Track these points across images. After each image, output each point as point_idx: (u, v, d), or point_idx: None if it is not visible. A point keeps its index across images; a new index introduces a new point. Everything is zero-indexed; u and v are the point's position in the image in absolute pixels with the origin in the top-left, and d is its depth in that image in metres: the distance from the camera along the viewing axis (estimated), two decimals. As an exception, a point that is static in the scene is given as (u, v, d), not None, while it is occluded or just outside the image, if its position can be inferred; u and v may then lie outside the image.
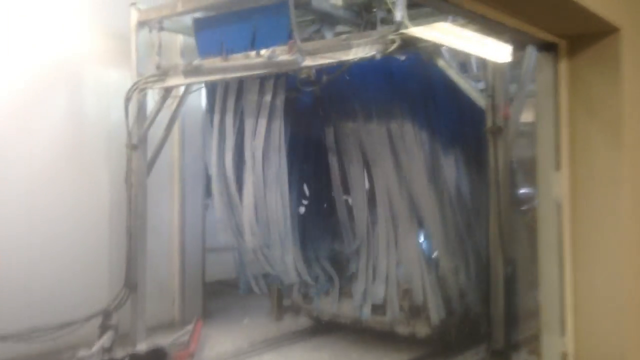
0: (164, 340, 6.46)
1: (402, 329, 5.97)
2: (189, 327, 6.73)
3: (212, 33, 5.86)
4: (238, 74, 5.38)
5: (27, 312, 6.16)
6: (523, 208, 5.62)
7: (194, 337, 6.53)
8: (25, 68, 6.38)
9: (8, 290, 6.07)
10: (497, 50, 3.72)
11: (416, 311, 5.87)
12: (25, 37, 6.39)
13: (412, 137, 5.52)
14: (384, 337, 6.29)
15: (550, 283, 3.30)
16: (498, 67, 4.32)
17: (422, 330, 5.86)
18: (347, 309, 6.43)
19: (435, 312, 5.69)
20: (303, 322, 7.26)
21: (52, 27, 6.64)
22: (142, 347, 6.01)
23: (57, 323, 6.15)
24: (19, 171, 6.29)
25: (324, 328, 6.94)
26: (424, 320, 5.81)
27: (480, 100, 4.50)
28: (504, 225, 4.29)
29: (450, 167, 5.62)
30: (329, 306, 6.60)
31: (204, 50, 5.90)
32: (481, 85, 4.82)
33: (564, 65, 3.40)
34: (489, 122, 4.41)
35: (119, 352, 6.06)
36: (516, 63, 4.49)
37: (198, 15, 6.89)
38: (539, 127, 3.34)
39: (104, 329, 6.37)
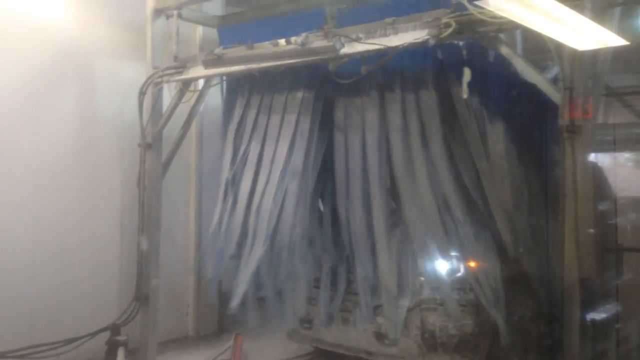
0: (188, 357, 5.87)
1: None
2: (229, 344, 6.18)
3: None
4: (265, 64, 4.77)
5: (29, 326, 5.66)
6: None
7: (236, 356, 5.98)
8: (32, 59, 5.87)
9: (10, 303, 5.57)
10: (583, 36, 3.10)
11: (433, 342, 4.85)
12: (32, 26, 5.86)
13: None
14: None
15: None
16: (577, 55, 3.66)
17: None
18: (349, 337, 5.37)
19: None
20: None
21: (61, 15, 6.13)
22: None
23: (62, 339, 5.61)
24: (25, 172, 5.79)
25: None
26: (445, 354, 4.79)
27: (554, 94, 3.84)
28: (584, 244, 3.61)
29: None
30: (327, 333, 5.52)
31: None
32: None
33: None
34: (564, 120, 3.74)
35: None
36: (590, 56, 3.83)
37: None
38: None
39: (111, 345, 5.82)
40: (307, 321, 5.65)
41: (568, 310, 3.80)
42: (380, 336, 5.07)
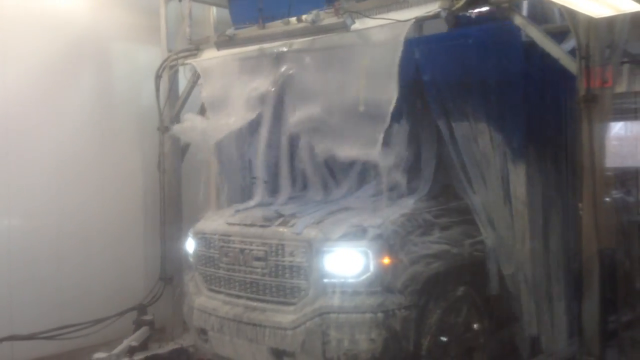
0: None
1: None
2: None
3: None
4: (277, 42, 4.76)
5: (57, 308, 5.82)
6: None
7: None
8: (48, 46, 5.93)
9: (37, 285, 5.73)
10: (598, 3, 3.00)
11: None
12: (47, 13, 5.92)
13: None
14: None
15: None
16: (593, 23, 3.55)
17: None
18: (244, 352, 4.32)
19: None
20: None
21: (75, 1, 6.18)
22: (162, 348, 5.69)
23: (89, 319, 5.78)
24: (46, 158, 5.90)
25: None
26: None
27: (570, 64, 3.75)
28: (602, 215, 3.54)
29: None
30: (222, 347, 4.52)
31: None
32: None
33: None
34: (581, 90, 3.65)
35: (141, 353, 5.53)
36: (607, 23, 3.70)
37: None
38: None
39: (138, 324, 5.98)
40: (203, 332, 4.69)
41: (587, 283, 3.75)
42: (278, 353, 4.17)
